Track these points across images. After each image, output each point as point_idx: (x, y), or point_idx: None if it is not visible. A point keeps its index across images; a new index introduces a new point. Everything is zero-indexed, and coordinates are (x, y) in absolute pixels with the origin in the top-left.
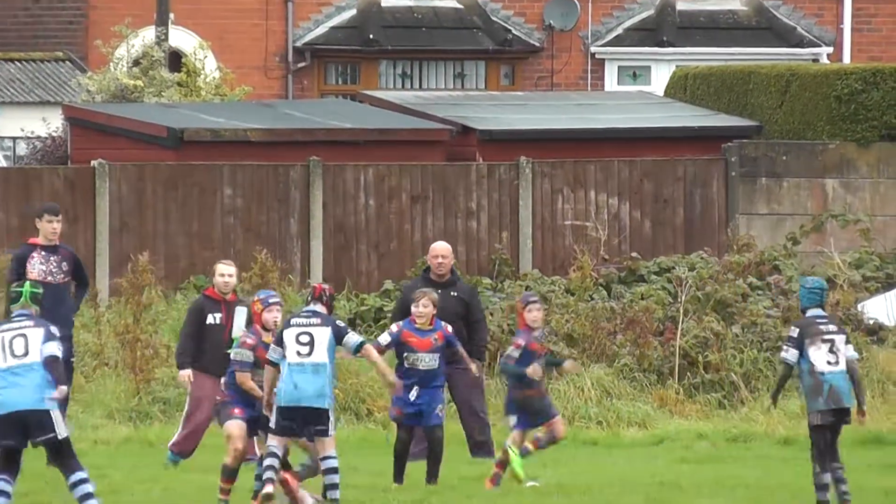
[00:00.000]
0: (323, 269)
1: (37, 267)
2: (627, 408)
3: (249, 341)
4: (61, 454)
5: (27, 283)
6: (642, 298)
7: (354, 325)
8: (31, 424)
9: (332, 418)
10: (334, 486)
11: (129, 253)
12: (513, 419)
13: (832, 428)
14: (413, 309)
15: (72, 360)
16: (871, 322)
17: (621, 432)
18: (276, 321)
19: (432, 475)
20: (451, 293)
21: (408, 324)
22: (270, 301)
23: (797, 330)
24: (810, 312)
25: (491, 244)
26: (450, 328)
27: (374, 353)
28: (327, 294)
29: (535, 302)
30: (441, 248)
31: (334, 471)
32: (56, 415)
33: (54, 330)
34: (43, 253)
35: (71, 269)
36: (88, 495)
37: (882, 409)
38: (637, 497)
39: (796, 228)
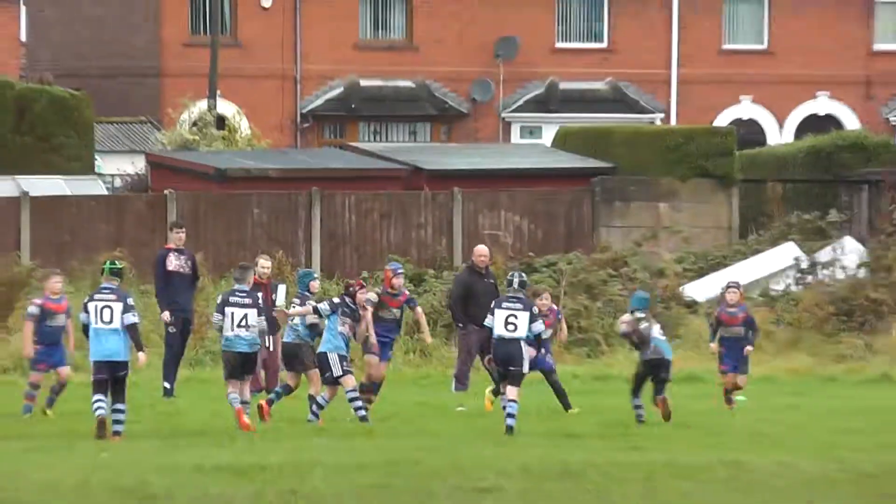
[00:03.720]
0: (320, 264)
1: (173, 262)
2: None
3: (373, 297)
4: (120, 387)
5: (107, 261)
6: (537, 283)
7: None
8: (116, 366)
9: None
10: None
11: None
12: None
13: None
14: (539, 302)
15: (191, 326)
16: (690, 299)
17: None
18: (401, 285)
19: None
20: (489, 281)
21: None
22: (398, 271)
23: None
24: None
25: (434, 247)
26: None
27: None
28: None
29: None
30: (483, 249)
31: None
32: (128, 362)
33: (130, 301)
34: (175, 253)
35: (193, 265)
36: (120, 421)
37: (697, 356)
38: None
39: (640, 236)
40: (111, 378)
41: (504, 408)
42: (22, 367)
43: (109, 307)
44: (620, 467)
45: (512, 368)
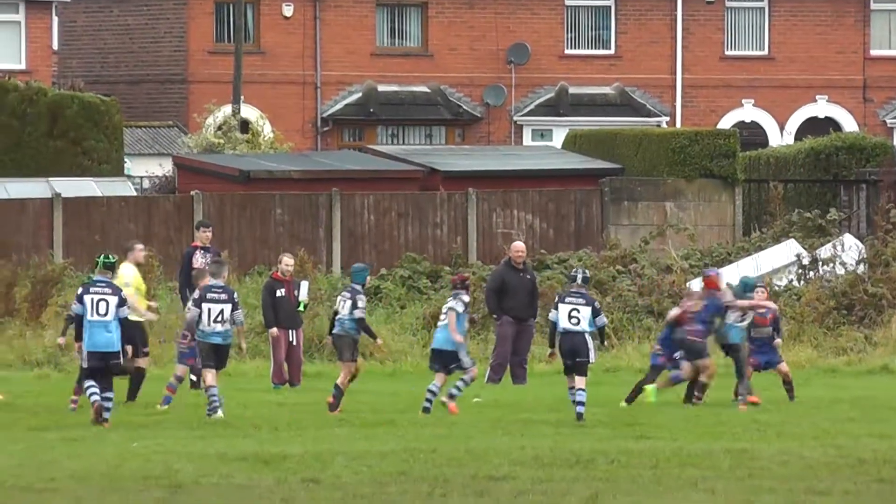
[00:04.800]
0: (340, 261)
1: (199, 260)
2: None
3: (690, 303)
4: (110, 375)
5: (102, 255)
6: (548, 279)
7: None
8: (109, 356)
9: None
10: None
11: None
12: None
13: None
14: (756, 295)
15: None
16: None
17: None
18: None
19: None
20: (527, 276)
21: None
22: (711, 273)
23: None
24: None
25: (450, 245)
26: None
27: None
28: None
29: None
30: (520, 245)
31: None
32: (119, 352)
33: (124, 296)
34: (201, 251)
35: None
36: (109, 409)
37: None
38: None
39: (647, 234)
40: (104, 368)
41: (572, 397)
42: (55, 360)
43: (105, 300)
44: (629, 455)
45: (579, 360)
